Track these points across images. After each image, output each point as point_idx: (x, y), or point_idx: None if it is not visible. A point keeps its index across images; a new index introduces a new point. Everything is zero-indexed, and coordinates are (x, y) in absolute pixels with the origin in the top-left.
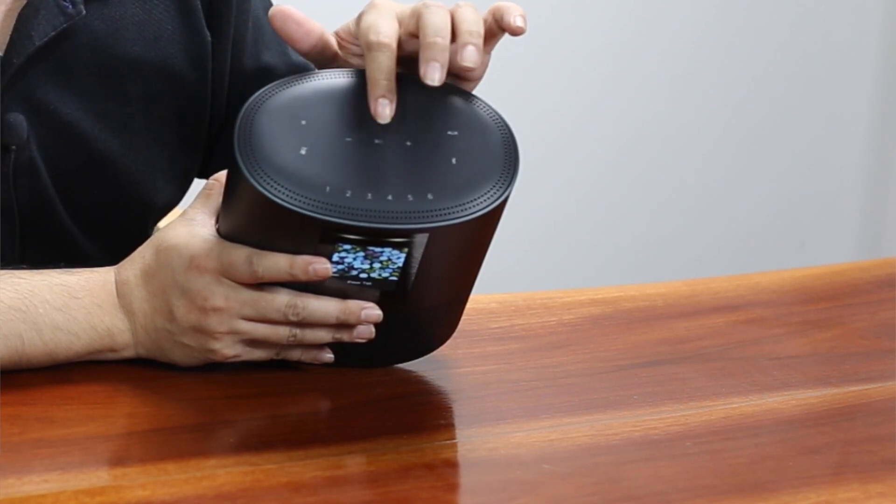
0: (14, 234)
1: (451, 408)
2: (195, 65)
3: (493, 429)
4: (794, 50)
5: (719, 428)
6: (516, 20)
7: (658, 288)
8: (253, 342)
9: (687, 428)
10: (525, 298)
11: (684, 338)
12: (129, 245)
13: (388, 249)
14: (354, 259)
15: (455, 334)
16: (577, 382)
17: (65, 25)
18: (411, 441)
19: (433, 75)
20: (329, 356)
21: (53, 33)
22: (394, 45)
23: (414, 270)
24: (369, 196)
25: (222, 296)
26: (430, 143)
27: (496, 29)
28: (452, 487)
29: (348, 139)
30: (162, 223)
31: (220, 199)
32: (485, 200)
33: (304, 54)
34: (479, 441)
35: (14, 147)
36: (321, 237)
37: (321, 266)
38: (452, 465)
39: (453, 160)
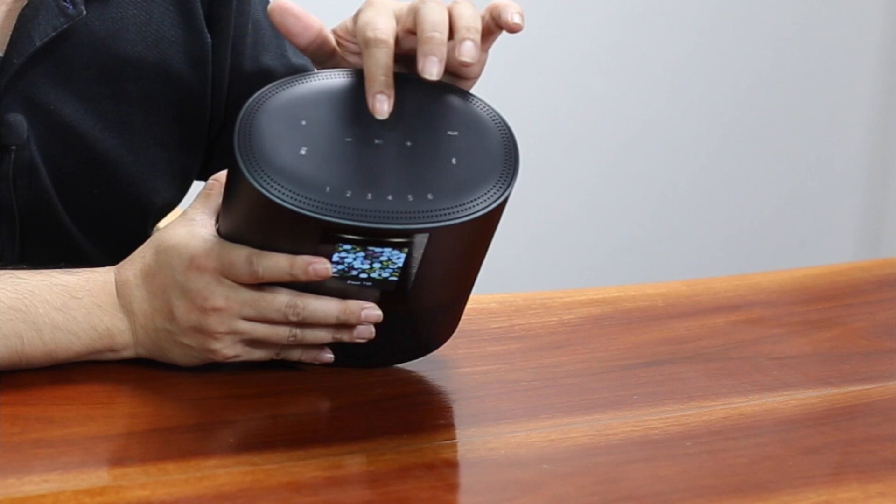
0: (14, 234)
1: (451, 408)
2: (195, 66)
3: (493, 429)
4: (794, 50)
5: (719, 428)
6: (514, 17)
7: (658, 288)
8: (253, 342)
9: (687, 428)
10: (525, 298)
11: (684, 338)
12: (129, 245)
13: (388, 249)
14: (354, 259)
15: (455, 334)
16: (577, 382)
17: (65, 26)
18: (411, 441)
19: (431, 69)
20: (329, 356)
21: (54, 34)
22: (391, 41)
23: (414, 270)
24: (369, 196)
25: (222, 296)
26: (430, 143)
27: (493, 27)
28: (452, 487)
29: (348, 139)
30: (162, 223)
31: (220, 199)
32: (485, 200)
33: (303, 49)
34: (479, 441)
35: (14, 147)
36: (321, 237)
37: (321, 266)
38: (452, 465)
39: (453, 160)
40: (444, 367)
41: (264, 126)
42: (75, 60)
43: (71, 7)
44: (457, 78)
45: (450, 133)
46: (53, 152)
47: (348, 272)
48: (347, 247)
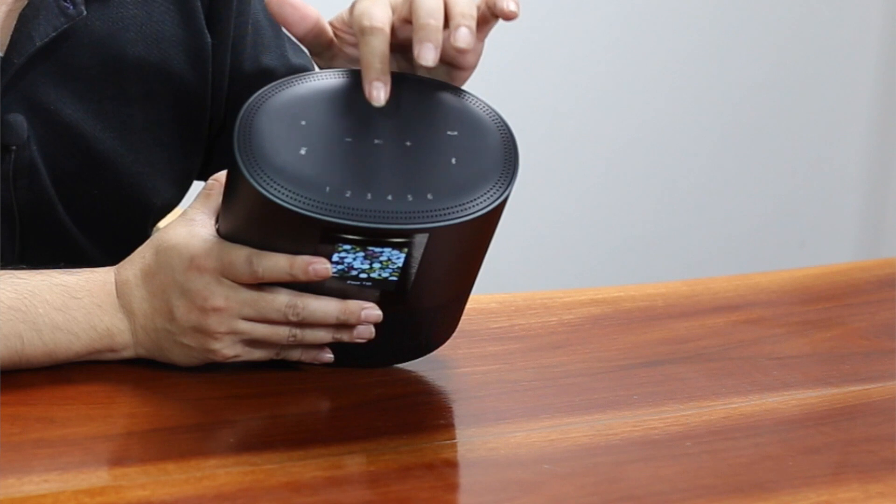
0: (14, 234)
1: (451, 408)
2: (195, 66)
3: (493, 429)
4: (794, 50)
5: (719, 428)
6: (509, 5)
7: (658, 288)
8: (253, 342)
9: (687, 428)
10: (525, 298)
11: (684, 338)
12: (128, 245)
13: (387, 249)
14: (354, 259)
15: (455, 334)
16: (577, 382)
17: (65, 26)
18: (411, 441)
19: (427, 55)
20: (329, 356)
21: (54, 34)
22: (387, 29)
23: (414, 270)
24: (369, 196)
25: (222, 296)
26: (429, 143)
27: (489, 15)
28: (452, 487)
29: (348, 139)
30: (162, 223)
31: (220, 199)
32: (485, 200)
33: (300, 39)
34: (479, 441)
35: (14, 147)
36: (321, 237)
37: (321, 266)
38: (452, 465)
39: (453, 160)
40: (444, 367)
41: (264, 126)
42: (76, 60)
43: (71, 7)
44: (453, 68)
45: (450, 133)
46: (53, 152)
47: (348, 272)
48: (347, 247)
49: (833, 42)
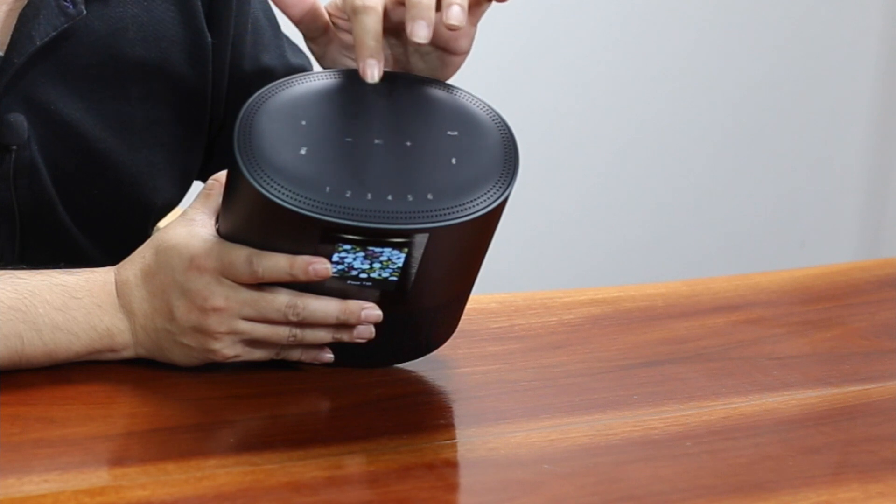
0: (14, 234)
1: (451, 408)
2: (195, 65)
3: (493, 429)
4: (794, 50)
5: (719, 428)
6: None
7: (658, 288)
8: (253, 342)
9: (687, 428)
10: (525, 298)
11: (684, 338)
12: (129, 245)
13: (388, 249)
14: (354, 259)
15: (455, 334)
16: (577, 382)
17: (65, 25)
18: (411, 441)
19: (419, 32)
20: (329, 356)
21: (54, 33)
22: (379, 8)
23: (414, 270)
24: (369, 196)
25: (222, 296)
26: (429, 143)
27: None
28: (452, 487)
29: (348, 139)
30: (162, 223)
31: (220, 199)
32: (485, 200)
33: (297, 23)
34: (479, 441)
35: (14, 147)
36: (321, 237)
37: (321, 266)
38: (452, 465)
39: (453, 160)
40: (444, 367)
41: (264, 126)
42: (76, 60)
43: (71, 7)
44: (446, 53)
45: (450, 133)
46: (54, 152)
47: (348, 272)
48: (347, 247)
49: (833, 42)
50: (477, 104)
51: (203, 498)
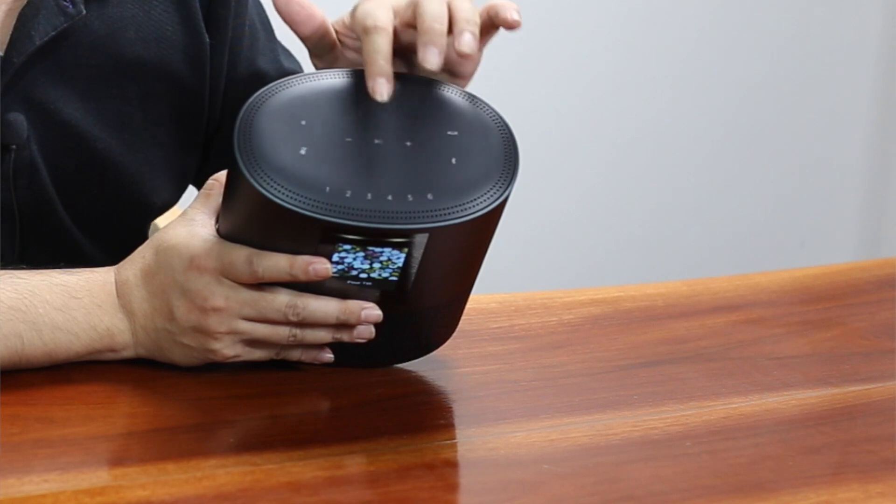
0: (14, 234)
1: (451, 408)
2: (193, 66)
3: (493, 429)
4: (794, 50)
5: (719, 428)
6: (512, 14)
7: (658, 288)
8: (253, 342)
9: (687, 428)
10: (525, 298)
11: (684, 338)
12: (128, 245)
13: (388, 249)
14: (354, 259)
15: (455, 334)
16: (577, 382)
17: (65, 25)
18: (411, 441)
19: (431, 59)
20: (329, 356)
21: (53, 33)
22: (390, 29)
23: (414, 270)
24: (369, 196)
25: (222, 296)
26: (430, 143)
27: (490, 25)
28: (452, 487)
29: (348, 139)
30: (161, 223)
31: (220, 199)
32: (485, 200)
33: (305, 40)
34: (479, 441)
35: (14, 147)
36: (321, 237)
37: (321, 266)
38: (452, 465)
39: (453, 160)
40: (444, 367)
41: (264, 126)
42: (75, 60)
43: (70, 6)
44: (451, 76)
45: (450, 133)
46: (53, 152)
47: (348, 272)
48: (347, 247)
49: (833, 42)
50: (477, 104)
51: (203, 498)
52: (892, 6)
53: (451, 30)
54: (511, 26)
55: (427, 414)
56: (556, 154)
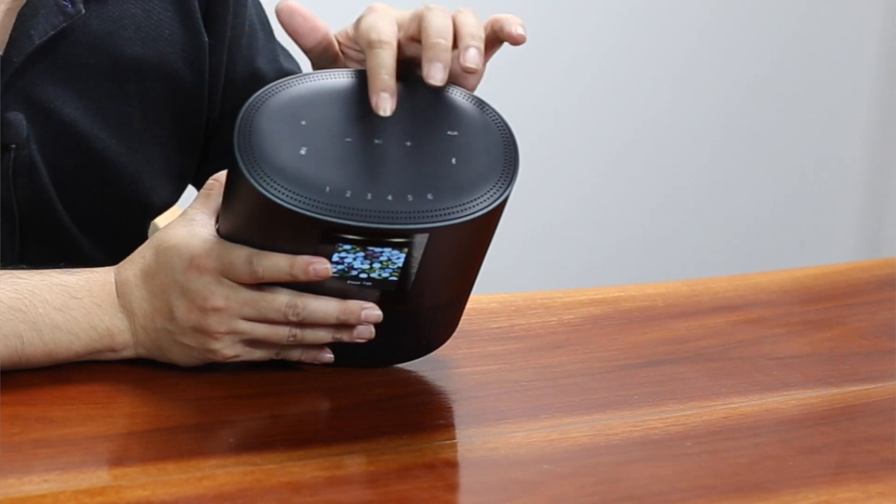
0: (14, 234)
1: (451, 408)
2: (193, 65)
3: (493, 429)
4: (794, 49)
5: (719, 428)
6: (517, 29)
7: (658, 288)
8: (253, 342)
9: (687, 428)
10: (525, 298)
11: (684, 338)
12: (128, 244)
13: (388, 249)
14: (354, 259)
15: (455, 334)
16: (577, 382)
17: (64, 24)
18: (411, 441)
19: (436, 75)
20: (329, 356)
21: (53, 32)
22: (394, 43)
23: (414, 270)
24: (369, 196)
25: (222, 296)
26: (430, 143)
27: (494, 39)
28: (452, 487)
29: (348, 139)
30: (161, 223)
31: (220, 199)
32: (485, 200)
33: (308, 51)
34: (479, 441)
35: (14, 146)
36: (321, 237)
37: (321, 266)
38: (452, 465)
39: (453, 160)
40: (444, 367)
41: (264, 126)
42: (74, 59)
43: (70, 6)
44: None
45: (450, 133)
46: (53, 151)
47: (348, 272)
48: (347, 247)
49: (833, 42)
50: (477, 104)
51: (203, 498)
52: (892, 6)
53: (455, 44)
54: (516, 41)
55: (427, 414)
56: (556, 154)
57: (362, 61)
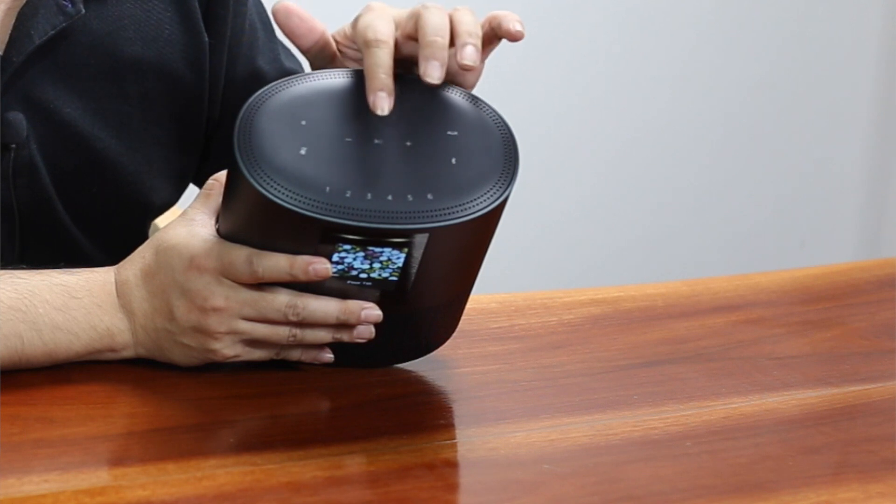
0: (14, 234)
1: (451, 408)
2: (193, 65)
3: (493, 429)
4: (794, 50)
5: (719, 428)
6: (515, 25)
7: (658, 288)
8: (253, 342)
9: (687, 428)
10: (525, 298)
11: (684, 338)
12: (128, 244)
13: (387, 249)
14: (354, 259)
15: (455, 334)
16: (577, 382)
17: (64, 24)
18: (411, 441)
19: (433, 73)
20: (329, 356)
21: (53, 32)
22: (391, 42)
23: (414, 270)
24: (369, 196)
25: (222, 296)
26: (429, 143)
27: (493, 36)
28: (452, 487)
29: (348, 139)
30: (161, 222)
31: (220, 199)
32: (485, 200)
33: (305, 52)
34: (479, 441)
35: (14, 146)
36: (321, 237)
37: (321, 266)
38: (452, 465)
39: (453, 160)
40: (444, 367)
41: (264, 126)
42: (74, 59)
43: (70, 6)
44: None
45: (450, 133)
46: (53, 151)
47: (348, 272)
48: (347, 247)
49: (833, 42)
50: (477, 104)
51: (203, 498)
52: (892, 6)
53: (452, 42)
54: (514, 38)
55: (427, 414)
56: (556, 154)
57: (360, 60)
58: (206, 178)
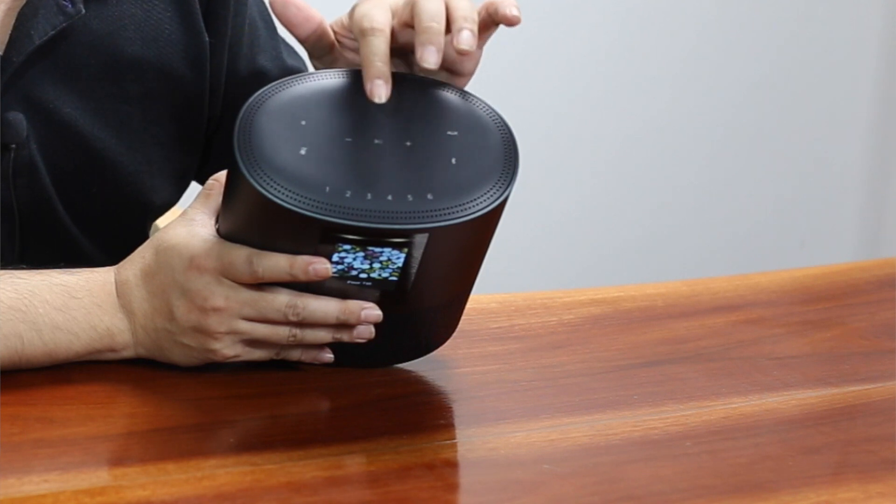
0: (14, 234)
1: (451, 408)
2: (193, 65)
3: (493, 429)
4: (794, 50)
5: (719, 428)
6: (511, 10)
7: (658, 288)
8: (253, 342)
9: (687, 428)
10: (525, 298)
11: (684, 338)
12: (128, 244)
13: (387, 249)
14: (354, 259)
15: (455, 334)
16: (577, 382)
17: (64, 24)
18: (411, 441)
19: (429, 58)
20: (329, 356)
21: (53, 32)
22: (387, 30)
23: (414, 270)
24: (369, 196)
25: (222, 296)
26: (429, 143)
27: (490, 22)
28: (452, 487)
29: (348, 139)
30: (161, 222)
31: (220, 199)
32: (485, 200)
33: (302, 41)
34: (479, 441)
35: (14, 146)
36: (321, 237)
37: (321, 266)
38: (452, 465)
39: (453, 160)
40: (444, 367)
41: (264, 126)
42: (74, 59)
43: (70, 6)
44: (451, 74)
45: (450, 133)
46: (53, 151)
47: (348, 272)
48: (347, 247)
49: (833, 42)
50: (477, 104)
51: (203, 498)
52: (892, 6)
53: (449, 28)
54: (511, 22)
55: (427, 414)
56: (556, 154)
57: (357, 50)
58: (208, 179)
